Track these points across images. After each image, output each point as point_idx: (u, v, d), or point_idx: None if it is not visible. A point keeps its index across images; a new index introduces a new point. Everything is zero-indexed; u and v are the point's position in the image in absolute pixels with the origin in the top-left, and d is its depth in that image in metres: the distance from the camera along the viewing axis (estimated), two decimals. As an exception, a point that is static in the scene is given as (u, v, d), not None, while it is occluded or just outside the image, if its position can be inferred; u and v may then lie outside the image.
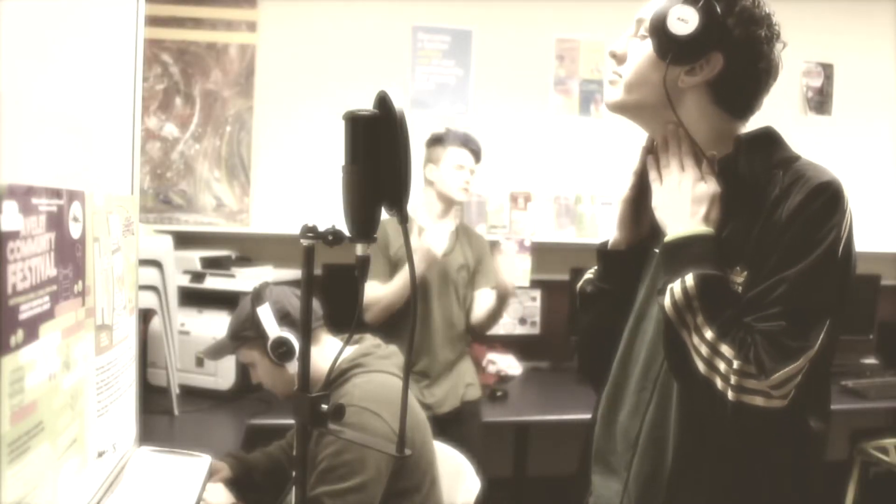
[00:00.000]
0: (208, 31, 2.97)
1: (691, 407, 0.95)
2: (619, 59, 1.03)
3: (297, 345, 1.49)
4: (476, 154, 2.45)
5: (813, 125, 3.39)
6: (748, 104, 1.00)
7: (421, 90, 3.14)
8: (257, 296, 1.56)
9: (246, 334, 1.55)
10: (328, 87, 3.00)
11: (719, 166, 0.98)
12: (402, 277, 2.30)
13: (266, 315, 1.52)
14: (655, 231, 1.06)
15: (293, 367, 1.51)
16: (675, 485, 0.96)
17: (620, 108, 1.04)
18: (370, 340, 1.62)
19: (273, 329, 1.51)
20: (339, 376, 1.47)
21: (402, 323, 2.31)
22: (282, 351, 1.50)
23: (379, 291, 2.33)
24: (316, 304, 1.60)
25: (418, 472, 1.49)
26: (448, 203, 2.45)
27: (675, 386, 0.97)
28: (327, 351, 1.57)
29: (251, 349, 1.56)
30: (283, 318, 1.53)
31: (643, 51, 0.98)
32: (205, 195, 2.99)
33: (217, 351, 1.66)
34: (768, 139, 1.00)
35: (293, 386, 1.52)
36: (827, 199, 0.88)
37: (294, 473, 1.38)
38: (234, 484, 1.59)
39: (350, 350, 1.54)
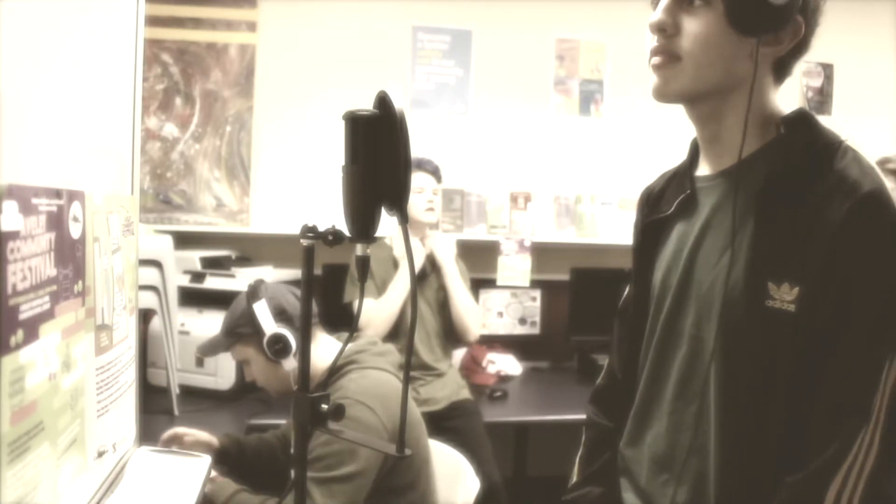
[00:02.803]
0: (208, 31, 2.97)
1: (737, 431, 0.86)
2: (670, 32, 0.86)
3: (293, 341, 1.50)
4: (434, 174, 2.56)
5: (813, 125, 3.39)
6: (796, 63, 0.90)
7: (421, 90, 3.14)
8: (253, 292, 1.55)
9: (241, 330, 1.54)
10: (328, 86, 3.00)
11: (763, 156, 0.88)
12: (397, 285, 2.41)
13: (262, 311, 1.52)
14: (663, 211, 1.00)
15: (288, 364, 1.51)
16: None
17: (683, 95, 0.89)
18: (365, 338, 1.63)
19: (269, 325, 1.51)
20: (334, 373, 1.47)
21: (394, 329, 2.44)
22: (278, 348, 1.50)
23: (376, 306, 2.41)
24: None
25: (412, 469, 1.49)
26: (418, 227, 2.54)
27: (714, 408, 0.88)
28: (323, 349, 1.57)
29: (246, 346, 1.56)
30: (280, 314, 1.52)
31: (710, 21, 0.83)
32: (205, 195, 2.99)
33: (212, 347, 1.66)
34: (806, 121, 0.88)
35: (287, 383, 1.54)
36: (883, 218, 0.78)
37: (293, 472, 1.39)
38: (224, 461, 1.59)
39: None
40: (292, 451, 1.55)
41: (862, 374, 0.77)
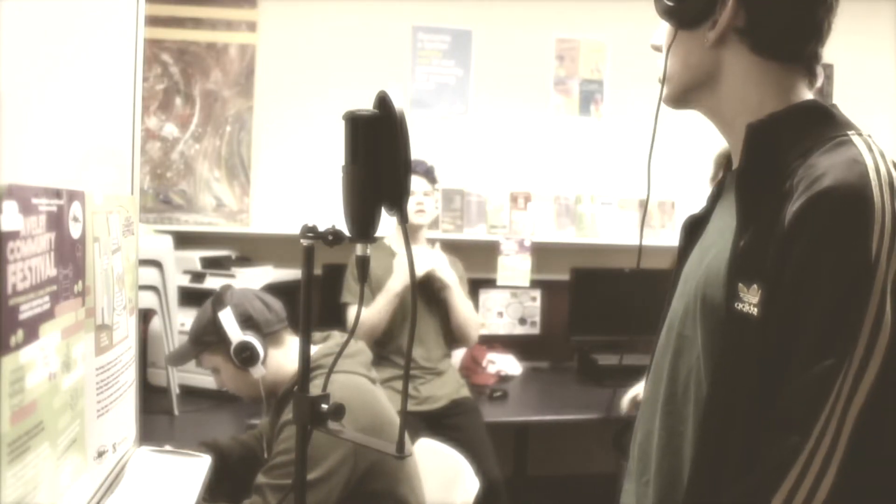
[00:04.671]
0: (208, 31, 2.97)
1: (710, 438, 0.80)
2: (660, 51, 0.92)
3: (260, 349, 1.48)
4: (426, 175, 2.56)
5: (813, 125, 3.39)
6: (792, 41, 0.83)
7: (421, 90, 3.15)
8: (218, 299, 1.52)
9: (207, 339, 1.52)
10: (328, 87, 3.00)
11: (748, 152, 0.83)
12: (382, 298, 2.40)
13: (228, 319, 1.49)
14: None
15: (257, 371, 1.49)
16: None
17: (674, 102, 0.92)
18: (336, 339, 1.59)
19: (235, 333, 1.48)
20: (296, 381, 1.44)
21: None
22: (245, 356, 1.48)
23: (363, 313, 2.38)
24: (278, 305, 1.57)
25: (389, 474, 1.46)
26: (411, 228, 2.54)
27: (693, 412, 0.85)
28: (293, 352, 1.54)
29: (214, 354, 1.53)
30: (246, 321, 1.50)
31: (667, 31, 0.89)
32: (205, 195, 2.99)
33: (179, 357, 1.63)
34: (812, 115, 0.82)
35: (257, 390, 1.52)
36: (833, 218, 0.69)
37: (258, 477, 1.37)
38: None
39: (313, 350, 1.52)
40: (265, 454, 1.54)
41: (805, 389, 0.69)
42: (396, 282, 2.40)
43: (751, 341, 0.75)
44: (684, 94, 0.90)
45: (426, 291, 2.52)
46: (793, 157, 0.78)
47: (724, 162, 0.98)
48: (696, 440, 0.83)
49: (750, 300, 0.75)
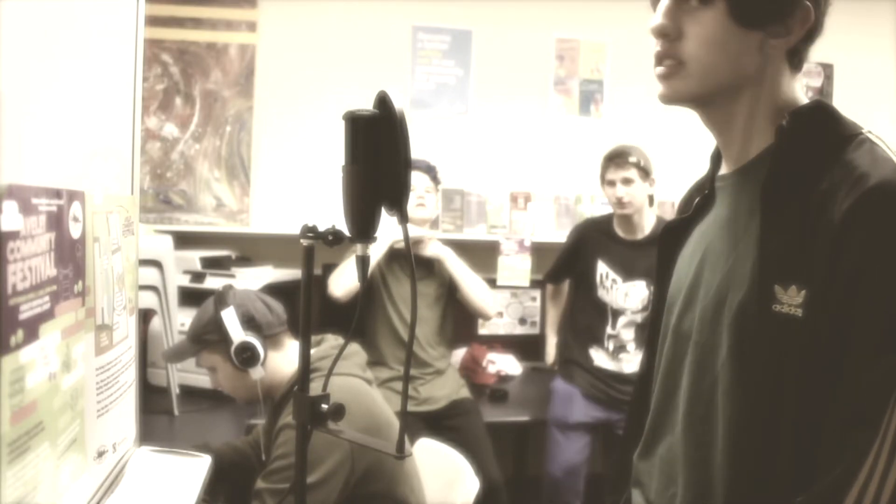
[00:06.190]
0: (208, 31, 2.97)
1: (747, 445, 0.80)
2: (672, 36, 0.82)
3: (261, 350, 1.48)
4: (427, 172, 2.55)
5: (813, 125, 3.39)
6: (809, 48, 0.84)
7: (421, 90, 3.15)
8: (221, 299, 1.52)
9: (208, 338, 1.51)
10: (328, 86, 3.00)
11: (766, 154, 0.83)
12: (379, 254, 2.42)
13: (230, 319, 1.48)
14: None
15: (256, 372, 1.49)
16: None
17: (690, 99, 0.85)
18: (331, 342, 1.59)
19: (237, 333, 1.48)
20: (293, 384, 1.44)
21: (368, 321, 2.50)
22: (245, 356, 1.47)
23: (345, 263, 2.42)
24: (279, 308, 1.57)
25: (386, 475, 1.45)
26: (412, 223, 2.52)
27: (722, 420, 0.83)
28: (292, 355, 1.54)
29: (213, 353, 1.53)
30: (248, 322, 1.50)
31: (712, 20, 0.79)
32: (205, 195, 2.99)
33: (177, 353, 1.63)
34: (820, 115, 0.82)
35: (254, 391, 1.52)
36: (890, 213, 0.71)
37: (258, 482, 1.37)
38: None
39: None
40: (263, 457, 1.53)
41: (871, 384, 0.70)
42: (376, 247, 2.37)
43: (795, 342, 0.74)
44: (711, 96, 0.84)
45: (429, 291, 2.52)
46: (816, 156, 0.78)
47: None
48: (731, 447, 0.82)
49: (790, 301, 0.75)
